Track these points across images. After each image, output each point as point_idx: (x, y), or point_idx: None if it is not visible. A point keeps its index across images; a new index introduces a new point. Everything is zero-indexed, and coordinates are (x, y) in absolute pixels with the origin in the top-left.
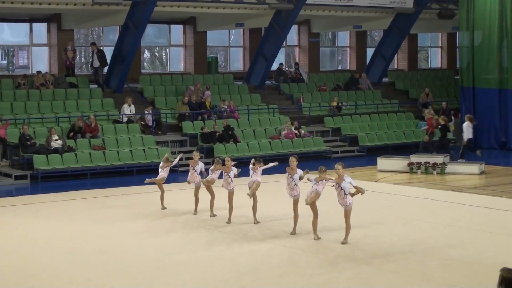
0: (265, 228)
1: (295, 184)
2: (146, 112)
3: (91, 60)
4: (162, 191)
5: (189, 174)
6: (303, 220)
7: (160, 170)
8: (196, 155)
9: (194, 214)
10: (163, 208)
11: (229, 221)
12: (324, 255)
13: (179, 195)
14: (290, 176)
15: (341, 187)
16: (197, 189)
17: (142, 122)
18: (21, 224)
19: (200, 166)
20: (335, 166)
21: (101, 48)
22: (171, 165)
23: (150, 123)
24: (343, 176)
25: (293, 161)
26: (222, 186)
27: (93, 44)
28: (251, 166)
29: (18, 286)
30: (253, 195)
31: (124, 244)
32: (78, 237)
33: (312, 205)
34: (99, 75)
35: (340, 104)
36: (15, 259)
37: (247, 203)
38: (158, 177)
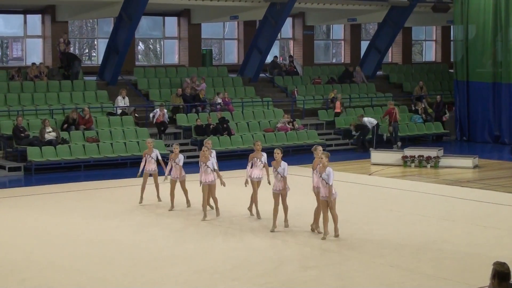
0: (262, 222)
1: (282, 177)
2: (158, 111)
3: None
4: (157, 184)
5: (173, 169)
6: (293, 213)
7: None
8: (176, 148)
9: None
10: (159, 200)
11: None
12: (317, 249)
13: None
14: (275, 169)
15: (322, 178)
16: (181, 183)
17: (156, 122)
18: (14, 216)
19: (181, 158)
20: (320, 154)
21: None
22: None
23: (163, 118)
24: (326, 167)
25: (277, 153)
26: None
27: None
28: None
29: (10, 277)
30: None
31: (117, 237)
32: (72, 229)
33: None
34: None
35: (334, 98)
36: (8, 251)
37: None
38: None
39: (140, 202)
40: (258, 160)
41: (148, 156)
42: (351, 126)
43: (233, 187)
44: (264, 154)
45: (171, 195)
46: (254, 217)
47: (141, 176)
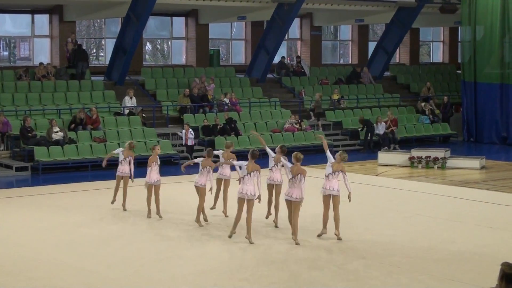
0: (267, 223)
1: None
2: (182, 132)
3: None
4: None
5: (152, 172)
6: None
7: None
8: (157, 149)
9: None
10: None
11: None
12: (324, 250)
13: (182, 187)
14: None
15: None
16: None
17: (182, 143)
18: (21, 216)
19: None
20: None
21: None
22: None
23: (189, 142)
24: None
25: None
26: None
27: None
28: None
29: (18, 277)
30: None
31: (124, 236)
32: (79, 229)
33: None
34: (81, 69)
35: (341, 99)
36: (15, 250)
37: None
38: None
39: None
40: (279, 163)
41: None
42: (359, 121)
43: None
44: (285, 158)
45: (150, 200)
46: (260, 220)
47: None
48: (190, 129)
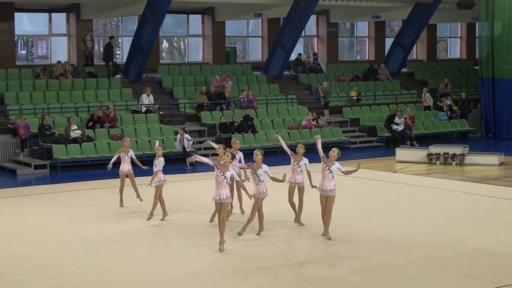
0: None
1: (260, 180)
2: (177, 137)
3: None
4: (135, 185)
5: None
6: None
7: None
8: (159, 149)
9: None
10: (140, 200)
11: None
12: (341, 247)
13: (196, 186)
14: (254, 171)
15: (330, 170)
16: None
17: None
18: (40, 213)
19: (160, 161)
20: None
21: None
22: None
23: (187, 148)
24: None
25: (257, 154)
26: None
27: (112, 37)
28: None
29: (36, 274)
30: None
31: (141, 234)
32: (96, 226)
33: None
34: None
35: (359, 96)
36: (34, 248)
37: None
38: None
39: (121, 205)
40: (297, 164)
41: (125, 154)
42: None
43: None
44: (305, 159)
45: (161, 201)
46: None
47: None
48: (187, 135)
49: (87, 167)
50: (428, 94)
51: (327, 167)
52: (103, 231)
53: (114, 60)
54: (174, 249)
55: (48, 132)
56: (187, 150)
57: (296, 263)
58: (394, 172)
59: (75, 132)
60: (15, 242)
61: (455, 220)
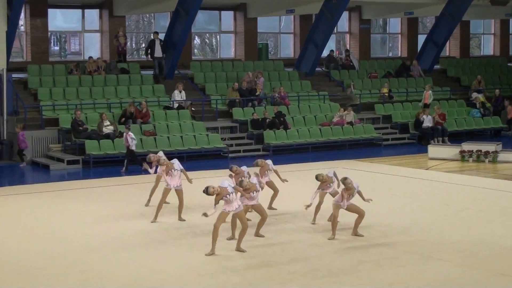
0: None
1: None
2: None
3: (149, 49)
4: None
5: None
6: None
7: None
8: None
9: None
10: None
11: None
12: (373, 243)
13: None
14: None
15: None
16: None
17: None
18: (73, 209)
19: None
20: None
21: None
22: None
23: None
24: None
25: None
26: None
27: (156, 33)
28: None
29: (70, 268)
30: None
31: (173, 230)
32: (129, 222)
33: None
34: (162, 65)
35: (390, 93)
36: (67, 243)
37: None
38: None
39: (147, 205)
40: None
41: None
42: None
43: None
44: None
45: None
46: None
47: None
48: (130, 133)
49: (119, 162)
50: (430, 92)
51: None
52: (135, 226)
53: (157, 55)
54: (208, 244)
55: (80, 128)
56: (131, 149)
57: (327, 260)
58: (427, 169)
59: (108, 128)
60: (48, 237)
61: (487, 218)
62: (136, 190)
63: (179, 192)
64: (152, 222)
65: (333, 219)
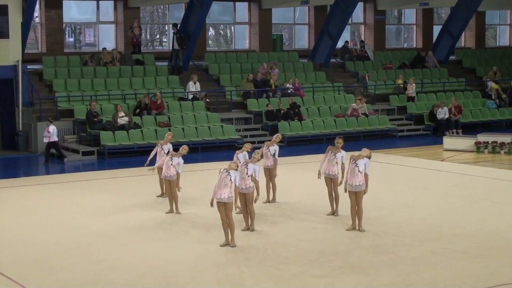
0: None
1: (247, 174)
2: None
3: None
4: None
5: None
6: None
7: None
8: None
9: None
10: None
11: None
12: (389, 235)
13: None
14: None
15: (357, 164)
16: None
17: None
18: (88, 200)
19: (169, 146)
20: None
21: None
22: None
23: (45, 140)
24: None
25: (257, 153)
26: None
27: (174, 25)
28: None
29: (86, 258)
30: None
31: (188, 220)
32: (142, 212)
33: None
34: (179, 57)
35: (405, 84)
36: (83, 233)
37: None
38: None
39: (161, 195)
40: (334, 155)
41: (160, 146)
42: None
43: (303, 173)
44: (343, 152)
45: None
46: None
47: (149, 165)
48: (51, 125)
49: (134, 153)
50: (414, 85)
51: (354, 162)
52: (150, 217)
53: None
54: (222, 235)
55: (95, 119)
56: (45, 142)
57: (342, 251)
58: (442, 160)
59: (123, 119)
60: (63, 227)
61: (503, 209)
62: (151, 180)
63: (172, 183)
64: (177, 213)
65: (351, 208)
